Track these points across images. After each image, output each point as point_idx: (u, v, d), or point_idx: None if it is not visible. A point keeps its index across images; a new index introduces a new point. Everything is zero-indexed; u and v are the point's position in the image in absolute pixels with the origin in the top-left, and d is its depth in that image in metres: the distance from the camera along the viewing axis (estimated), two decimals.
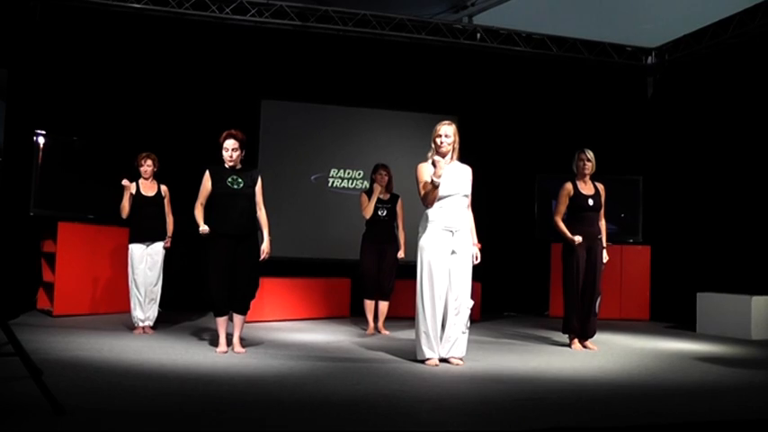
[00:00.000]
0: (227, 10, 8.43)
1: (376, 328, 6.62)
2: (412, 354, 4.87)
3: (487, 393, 3.90)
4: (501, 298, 8.95)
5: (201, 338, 5.69)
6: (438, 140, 4.77)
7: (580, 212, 5.77)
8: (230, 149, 4.97)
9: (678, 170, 9.06)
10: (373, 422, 3.15)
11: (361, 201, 6.63)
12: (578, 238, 5.65)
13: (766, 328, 6.96)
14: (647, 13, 8.29)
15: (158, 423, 3.00)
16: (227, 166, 5.01)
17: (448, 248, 4.69)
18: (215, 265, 4.91)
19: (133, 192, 6.06)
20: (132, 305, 6.02)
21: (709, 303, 7.39)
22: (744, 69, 8.20)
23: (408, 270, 5.73)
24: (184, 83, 8.45)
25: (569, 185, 5.81)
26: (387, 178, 6.56)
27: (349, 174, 9.11)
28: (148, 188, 6.14)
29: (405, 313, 7.00)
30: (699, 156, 8.73)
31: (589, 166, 5.80)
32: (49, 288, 7.06)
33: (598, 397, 3.86)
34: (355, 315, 7.75)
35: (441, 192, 4.64)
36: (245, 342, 5.23)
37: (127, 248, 6.08)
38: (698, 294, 7.52)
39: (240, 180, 4.99)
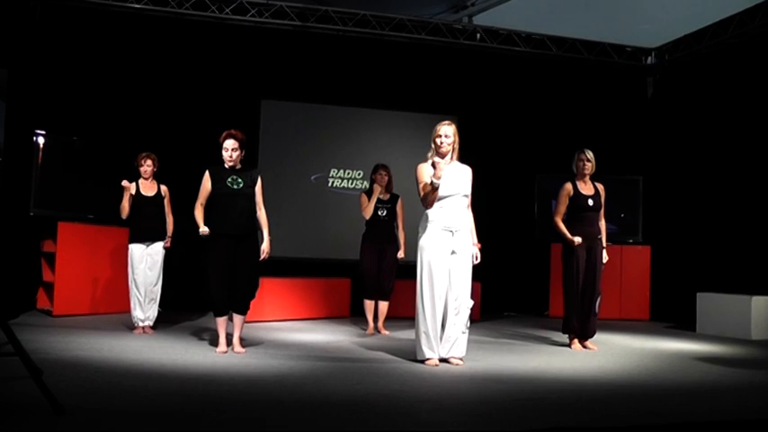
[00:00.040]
0: (227, 10, 8.43)
1: (376, 328, 6.62)
2: (412, 354, 4.87)
3: (487, 393, 3.90)
4: (501, 298, 8.95)
5: (201, 338, 5.69)
6: (438, 140, 4.77)
7: (580, 212, 5.77)
8: (230, 149, 4.97)
9: (678, 170, 9.06)
10: (373, 422, 3.15)
11: (360, 201, 6.63)
12: (578, 239, 5.65)
13: (766, 328, 6.96)
14: (646, 13, 8.28)
15: (158, 423, 3.00)
16: (226, 166, 5.01)
17: (448, 248, 4.69)
18: (215, 265, 4.91)
19: (133, 192, 6.06)
20: (132, 305, 6.02)
21: (709, 303, 7.39)
22: (744, 69, 8.20)
23: (408, 270, 5.73)
24: (184, 83, 8.45)
25: (569, 185, 5.81)
26: (387, 178, 6.56)
27: (349, 174, 9.11)
28: (148, 188, 6.14)
29: (405, 313, 7.00)
30: (699, 156, 8.73)
31: (589, 167, 5.80)
32: (49, 288, 7.07)
33: (598, 397, 3.86)
34: (355, 315, 7.75)
35: (441, 192, 4.64)
36: (244, 342, 5.24)
37: (127, 248, 6.08)
38: (698, 294, 7.52)
39: (240, 180, 4.99)
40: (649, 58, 9.67)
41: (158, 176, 6.23)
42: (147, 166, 6.10)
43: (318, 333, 6.51)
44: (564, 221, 5.82)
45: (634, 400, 3.80)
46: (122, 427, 2.91)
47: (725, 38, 8.33)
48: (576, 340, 5.81)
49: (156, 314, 6.12)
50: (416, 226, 4.86)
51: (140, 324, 6.00)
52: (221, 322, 5.04)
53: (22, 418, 2.91)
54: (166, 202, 6.20)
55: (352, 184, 9.11)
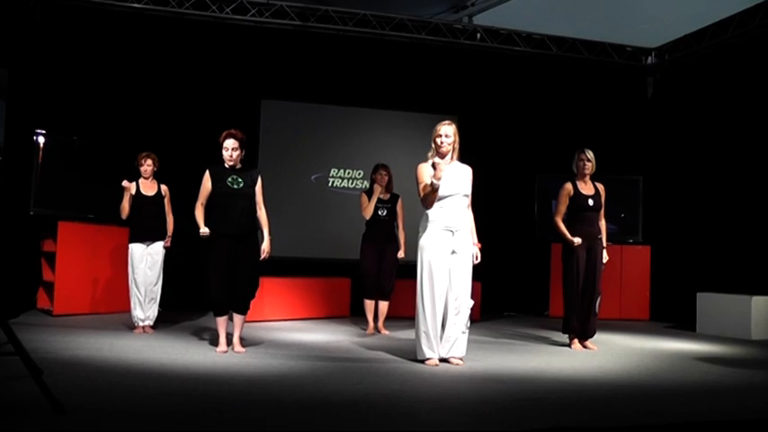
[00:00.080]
0: (228, 10, 8.43)
1: (376, 327, 6.62)
2: (412, 353, 4.87)
3: (487, 393, 3.90)
4: (501, 298, 8.95)
5: (201, 338, 5.69)
6: (438, 140, 4.77)
7: (580, 212, 5.77)
8: (230, 149, 4.97)
9: (678, 170, 9.06)
10: (373, 422, 3.15)
11: (361, 201, 6.63)
12: (577, 240, 5.65)
13: (766, 328, 6.96)
14: (646, 13, 8.28)
15: (158, 423, 3.00)
16: (227, 165, 5.01)
17: (448, 248, 4.69)
18: (215, 264, 4.91)
19: (133, 192, 6.06)
20: (132, 305, 6.03)
21: (709, 303, 7.40)
22: (744, 69, 8.20)
23: (408, 270, 5.73)
24: (184, 83, 8.45)
25: (569, 185, 5.81)
26: (387, 178, 6.55)
27: (349, 174, 9.11)
28: (148, 188, 6.14)
29: (405, 313, 7.00)
30: (699, 156, 8.73)
31: (589, 166, 5.80)
32: (49, 287, 7.07)
33: (598, 397, 3.86)
34: (355, 315, 7.75)
35: (441, 192, 4.64)
36: (245, 342, 5.24)
37: (127, 248, 6.09)
38: (698, 294, 7.52)
39: (240, 180, 4.99)
40: (649, 58, 9.67)
41: (158, 176, 6.23)
42: (147, 166, 6.10)
43: (318, 333, 6.52)
44: (564, 221, 5.82)
45: (634, 400, 3.81)
46: (122, 427, 2.91)
47: (725, 38, 8.34)
48: (576, 340, 5.81)
49: (156, 314, 6.12)
50: (416, 226, 4.86)
51: (140, 324, 6.01)
52: (221, 322, 5.04)
53: (23, 417, 2.92)
54: (166, 201, 6.20)
55: (352, 183, 9.11)
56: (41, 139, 7.04)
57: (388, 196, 6.59)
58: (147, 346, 5.16)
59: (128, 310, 6.15)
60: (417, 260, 4.76)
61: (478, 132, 8.93)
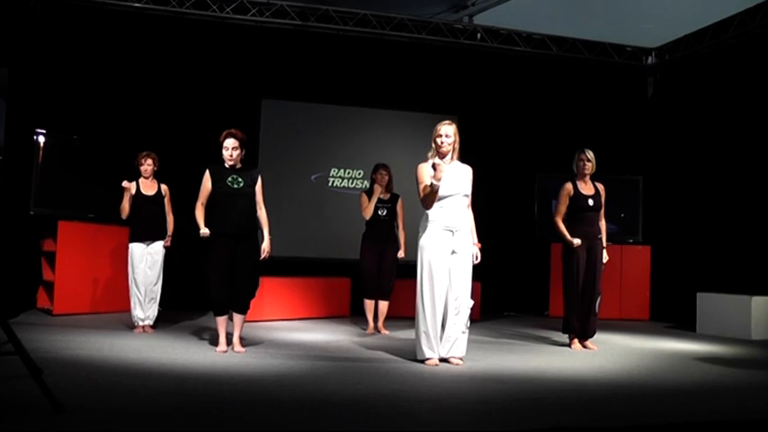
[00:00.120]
0: (228, 9, 8.43)
1: (376, 327, 6.62)
2: (412, 353, 4.87)
3: (487, 393, 3.90)
4: (501, 298, 8.95)
5: (201, 338, 5.69)
6: (438, 140, 4.77)
7: (580, 212, 5.77)
8: (230, 148, 4.97)
9: (678, 170, 9.06)
10: (373, 422, 3.15)
11: (361, 201, 6.63)
12: (577, 241, 5.65)
13: (766, 328, 6.96)
14: (647, 12, 8.28)
15: (158, 422, 3.00)
16: (227, 165, 5.01)
17: (448, 248, 4.69)
18: (215, 264, 4.91)
19: (133, 191, 6.06)
20: (132, 304, 6.03)
21: (709, 303, 7.39)
22: (744, 69, 8.21)
23: (408, 270, 5.73)
24: (184, 82, 8.45)
25: (569, 185, 5.81)
26: (387, 178, 6.55)
27: (349, 173, 9.11)
28: (149, 187, 6.14)
29: (405, 313, 7.00)
30: (699, 156, 8.73)
31: (589, 166, 5.80)
32: (49, 287, 7.07)
33: (598, 397, 3.86)
34: (355, 315, 7.75)
35: (441, 192, 4.64)
36: (244, 341, 5.23)
37: (127, 247, 6.08)
38: (698, 294, 7.52)
39: (240, 179, 4.99)
40: (650, 57, 9.67)
41: (159, 176, 6.23)
42: (147, 166, 6.10)
43: (318, 333, 6.51)
44: (564, 221, 5.81)
45: (634, 400, 3.80)
46: (122, 427, 2.91)
47: (725, 38, 8.34)
48: (576, 340, 5.81)
49: (156, 313, 6.12)
50: (416, 226, 4.86)
51: (140, 323, 6.01)
52: (221, 321, 5.04)
53: (22, 416, 2.91)
54: (167, 201, 6.20)
55: (352, 183, 9.11)
56: (41, 139, 7.04)
57: (388, 196, 6.59)
58: (146, 345, 5.16)
59: (128, 309, 6.15)
60: (417, 260, 4.76)
61: (478, 132, 8.93)
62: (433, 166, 4.58)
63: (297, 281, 7.81)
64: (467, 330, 4.78)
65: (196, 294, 6.07)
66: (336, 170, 9.08)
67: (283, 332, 6.40)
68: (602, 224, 5.89)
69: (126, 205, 6.04)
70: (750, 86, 8.07)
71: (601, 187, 5.89)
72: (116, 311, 7.20)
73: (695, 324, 7.45)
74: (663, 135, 9.39)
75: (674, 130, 9.22)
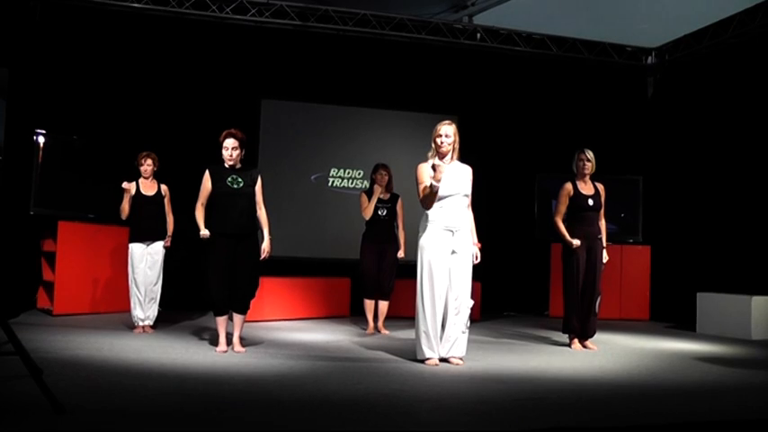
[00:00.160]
0: (228, 10, 8.43)
1: (376, 327, 6.62)
2: (412, 353, 4.87)
3: (487, 393, 3.90)
4: (501, 298, 8.95)
5: (201, 338, 5.69)
6: (438, 140, 4.77)
7: (580, 212, 5.77)
8: (230, 148, 4.97)
9: (678, 170, 9.06)
10: (373, 422, 3.15)
11: (360, 201, 6.63)
12: (576, 242, 5.65)
13: (766, 328, 6.96)
14: (646, 12, 8.28)
15: (158, 422, 3.00)
16: (226, 165, 5.01)
17: (448, 248, 4.69)
18: (215, 264, 4.91)
19: (133, 192, 6.06)
20: (132, 304, 6.03)
21: (709, 303, 7.39)
22: (744, 69, 8.21)
23: (408, 270, 5.73)
24: (184, 83, 8.45)
25: (569, 185, 5.81)
26: (387, 178, 6.55)
27: (349, 173, 9.11)
28: (148, 187, 6.14)
29: (405, 313, 7.00)
30: (699, 156, 8.73)
31: (589, 166, 5.80)
32: (49, 287, 7.07)
33: (598, 397, 3.86)
34: (355, 315, 7.75)
35: (441, 192, 4.64)
36: (244, 341, 5.24)
37: (127, 248, 6.08)
38: (698, 294, 7.52)
39: (240, 179, 4.99)
40: (649, 57, 9.67)
41: (158, 176, 6.23)
42: (147, 166, 6.10)
43: (318, 333, 6.51)
44: (564, 221, 5.82)
45: (634, 400, 3.80)
46: (122, 427, 2.91)
47: (725, 38, 8.34)
48: (576, 340, 5.81)
49: (156, 313, 6.12)
50: (416, 226, 4.86)
51: (140, 323, 6.01)
52: (221, 322, 5.04)
53: (23, 416, 2.91)
54: (167, 201, 6.20)
55: (352, 183, 9.11)
56: (41, 139, 7.04)
57: (388, 196, 6.59)
58: (146, 345, 5.16)
59: (128, 309, 6.15)
60: (417, 260, 4.76)
61: (478, 132, 8.94)
62: (433, 167, 4.57)
63: (297, 281, 7.81)
64: (467, 330, 4.78)
65: (196, 294, 6.07)
66: (336, 170, 9.08)
67: (283, 332, 6.40)
68: (602, 224, 5.89)
69: (126, 206, 6.04)
70: (750, 86, 8.07)
71: (601, 187, 5.89)
72: (116, 311, 7.20)
73: (695, 324, 7.45)
74: (663, 135, 9.39)
75: (674, 130, 9.22)
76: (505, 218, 9.15)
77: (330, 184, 9.07)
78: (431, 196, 4.65)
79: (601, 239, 5.79)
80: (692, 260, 8.50)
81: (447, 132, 4.76)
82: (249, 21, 8.54)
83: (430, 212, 4.72)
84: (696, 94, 8.92)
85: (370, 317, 6.62)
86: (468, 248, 4.76)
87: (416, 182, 4.80)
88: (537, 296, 9.02)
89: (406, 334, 6.31)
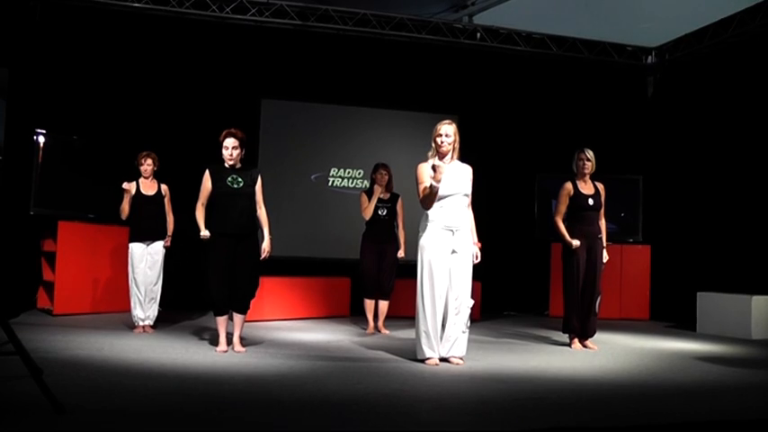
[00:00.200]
0: (228, 9, 8.43)
1: (376, 327, 6.62)
2: (412, 353, 4.87)
3: (487, 393, 3.90)
4: (501, 297, 8.95)
5: (201, 338, 5.69)
6: (438, 140, 4.77)
7: (580, 212, 5.77)
8: (230, 148, 4.97)
9: (678, 170, 9.06)
10: (373, 422, 3.15)
11: (360, 201, 6.62)
12: (576, 243, 5.65)
13: (766, 327, 6.96)
14: (647, 12, 8.28)
15: (158, 422, 3.00)
16: (227, 165, 5.01)
17: (448, 248, 4.69)
18: (215, 264, 4.91)
19: (133, 192, 6.06)
20: (132, 304, 6.03)
21: (709, 303, 7.39)
22: (744, 69, 8.20)
23: (408, 269, 5.73)
24: (184, 82, 8.45)
25: (569, 185, 5.81)
26: (387, 177, 6.55)
27: (349, 173, 9.11)
28: (148, 187, 6.14)
29: (405, 312, 7.00)
30: (699, 156, 8.73)
31: (589, 166, 5.80)
32: (50, 287, 7.07)
33: (598, 397, 3.86)
34: (355, 314, 7.75)
35: (441, 191, 4.64)
36: (245, 341, 5.24)
37: (127, 247, 6.09)
38: (698, 294, 7.52)
39: (240, 179, 4.99)
40: (650, 57, 9.67)
41: (159, 175, 6.23)
42: (147, 165, 6.10)
43: (318, 332, 6.52)
44: (564, 221, 5.82)
45: (634, 399, 3.80)
46: (122, 427, 2.91)
47: (725, 37, 8.33)
48: (576, 340, 5.81)
49: (156, 313, 6.12)
50: (417, 225, 4.86)
51: (140, 323, 6.01)
52: (221, 321, 5.04)
53: (22, 416, 2.92)
54: (167, 201, 6.20)
55: (352, 183, 9.11)
56: (41, 139, 7.03)
57: (388, 196, 6.59)
58: (147, 345, 5.16)
59: (128, 309, 6.15)
60: (417, 260, 4.76)
61: (478, 132, 8.93)
62: (433, 168, 4.57)
63: (297, 281, 7.81)
64: (467, 330, 4.78)
65: (196, 294, 6.07)
66: (336, 170, 9.08)
67: (283, 332, 6.40)
68: (602, 224, 5.89)
69: (126, 206, 6.04)
70: (750, 86, 8.07)
71: (601, 187, 5.89)
72: (116, 311, 7.20)
73: (695, 324, 7.45)
74: (663, 135, 9.39)
75: (674, 129, 9.22)
76: (505, 218, 9.15)
77: (330, 183, 9.07)
78: (431, 197, 4.64)
79: (601, 239, 5.79)
80: (692, 260, 8.50)
81: (447, 132, 4.76)
82: (249, 20, 8.53)
83: (430, 212, 4.72)
84: (696, 94, 8.92)
85: (370, 317, 6.62)
86: (468, 248, 4.76)
87: (416, 182, 4.80)
88: (537, 296, 9.02)
89: (406, 334, 6.31)
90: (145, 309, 6.02)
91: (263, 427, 3.01)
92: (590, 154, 5.81)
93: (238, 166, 5.04)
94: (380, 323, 6.64)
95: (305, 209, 8.85)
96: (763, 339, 6.79)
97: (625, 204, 9.00)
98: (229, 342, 5.05)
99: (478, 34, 9.14)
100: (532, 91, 9.46)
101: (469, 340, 4.87)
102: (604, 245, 5.83)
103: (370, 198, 6.53)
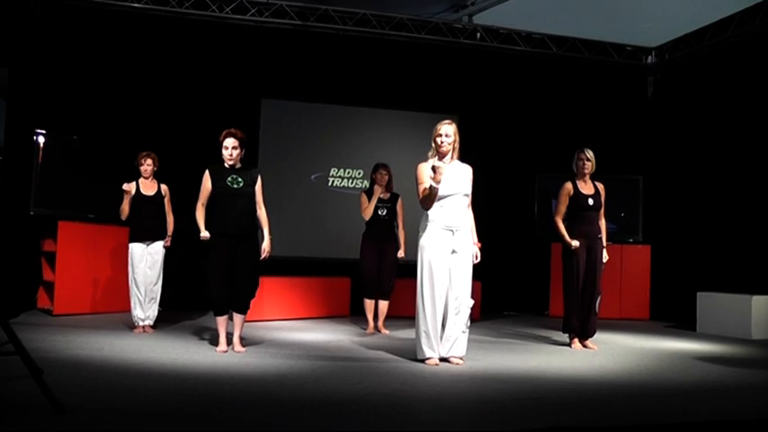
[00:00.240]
0: (228, 9, 8.43)
1: (376, 327, 6.62)
2: (412, 353, 4.87)
3: (487, 393, 3.90)
4: (501, 297, 8.95)
5: (201, 338, 5.69)
6: (438, 140, 4.77)
7: (580, 212, 5.77)
8: (230, 148, 4.97)
9: (678, 170, 9.06)
10: (373, 422, 3.15)
11: (360, 201, 6.62)
12: (576, 244, 5.65)
13: (766, 327, 6.96)
14: (646, 12, 8.28)
15: (158, 422, 3.00)
16: (226, 164, 5.01)
17: (448, 248, 4.69)
18: (215, 264, 4.91)
19: (133, 192, 6.06)
20: (132, 304, 6.03)
21: (709, 303, 7.39)
22: (744, 69, 8.20)
23: (408, 269, 5.73)
24: (184, 82, 8.45)
25: (569, 185, 5.81)
26: (387, 177, 6.55)
27: (349, 173, 9.11)
28: (148, 187, 6.14)
29: (405, 312, 7.01)
30: (699, 156, 8.73)
31: (589, 166, 5.80)
32: (50, 287, 7.07)
33: (598, 396, 3.86)
34: (355, 314, 7.76)
35: (441, 191, 4.64)
36: (245, 341, 5.24)
37: (127, 247, 6.09)
38: (698, 294, 7.52)
39: (240, 179, 4.99)
40: (649, 57, 9.67)
41: (158, 176, 6.23)
42: (147, 166, 6.10)
43: (318, 332, 6.52)
44: (564, 221, 5.82)
45: (634, 399, 3.80)
46: (122, 427, 2.91)
47: (725, 37, 8.34)
48: (576, 340, 5.81)
49: (156, 313, 6.12)
50: (417, 225, 4.86)
51: (140, 323, 6.01)
52: (221, 321, 5.04)
53: (23, 416, 2.92)
54: (167, 201, 6.20)
55: (352, 183, 9.11)
56: (41, 139, 7.03)
57: (388, 196, 6.59)
58: (147, 345, 5.16)
59: (128, 309, 6.15)
60: (417, 260, 4.76)
61: (478, 132, 8.93)
62: (433, 169, 4.56)
63: (297, 281, 7.81)
64: (467, 330, 4.78)
65: (196, 294, 6.07)
66: (336, 170, 9.08)
67: (283, 332, 6.40)
68: (602, 223, 5.89)
69: (126, 207, 6.04)
70: (750, 86, 8.07)
71: (601, 187, 5.89)
72: (116, 311, 7.20)
73: (695, 323, 7.45)
74: (663, 135, 9.39)
75: (674, 129, 9.22)
76: (505, 218, 9.15)
77: (330, 183, 9.07)
78: (430, 197, 4.65)
79: (601, 239, 5.79)
80: (692, 260, 8.50)
81: (447, 132, 4.76)
82: (249, 20, 8.54)
83: (430, 212, 4.72)
84: (696, 94, 8.92)
85: (370, 316, 6.62)
86: (468, 248, 4.76)
87: (416, 182, 4.80)
88: (537, 296, 9.02)
89: (406, 334, 6.31)
90: (145, 309, 6.02)
91: (263, 427, 3.01)
92: (590, 154, 5.81)
93: (238, 166, 5.04)
94: (380, 323, 6.64)
95: (305, 209, 8.85)
96: (763, 339, 6.79)
97: (625, 204, 9.00)
98: (229, 342, 5.05)
99: (478, 34, 9.15)
100: (532, 91, 9.46)
101: (469, 340, 4.87)
102: (604, 245, 5.83)
103: (369, 198, 6.53)
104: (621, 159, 9.06)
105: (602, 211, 5.88)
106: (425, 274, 4.68)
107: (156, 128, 8.04)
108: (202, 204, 5.03)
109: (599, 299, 5.77)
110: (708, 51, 8.69)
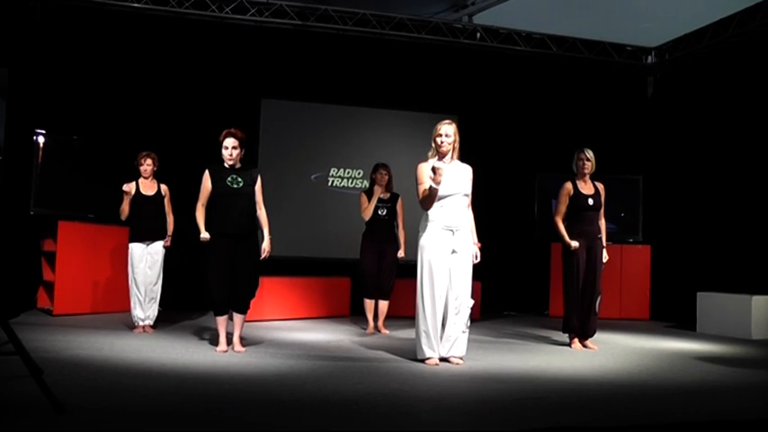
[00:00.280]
0: (227, 9, 8.43)
1: (376, 327, 6.62)
2: (412, 353, 4.87)
3: (487, 393, 3.90)
4: (501, 297, 8.95)
5: (201, 337, 5.69)
6: (438, 140, 4.77)
7: (580, 212, 5.77)
8: (230, 148, 4.97)
9: (678, 170, 9.06)
10: (374, 422, 3.15)
11: (360, 201, 6.62)
12: (575, 244, 5.65)
13: (766, 327, 6.96)
14: (646, 12, 8.28)
15: (158, 422, 3.00)
16: (226, 164, 5.01)
17: (448, 248, 4.69)
18: (215, 264, 4.91)
19: (133, 193, 6.07)
20: (132, 304, 6.03)
21: (709, 303, 7.39)
22: (744, 69, 8.20)
23: (408, 269, 5.73)
24: (184, 82, 8.45)
25: (569, 185, 5.81)
26: (387, 177, 6.55)
27: (349, 173, 9.11)
28: (148, 187, 6.14)
29: (405, 312, 7.01)
30: (699, 155, 8.73)
31: (589, 166, 5.80)
32: (50, 287, 7.07)
33: (598, 396, 3.86)
34: (355, 314, 7.76)
35: (441, 191, 4.64)
36: (245, 341, 5.24)
37: (127, 247, 6.09)
38: (698, 294, 7.52)
39: (240, 179, 4.99)
40: (649, 57, 9.67)
41: (158, 176, 6.24)
42: (147, 166, 6.10)
43: (318, 332, 6.52)
44: (564, 221, 5.82)
45: (634, 399, 3.80)
46: (122, 426, 2.91)
47: (725, 37, 8.34)
48: (576, 340, 5.81)
49: (156, 313, 6.12)
50: (417, 225, 4.86)
51: (140, 323, 6.01)
52: (221, 321, 5.04)
53: (23, 416, 2.92)
54: (166, 201, 6.21)
55: (352, 183, 9.11)
56: (41, 139, 7.03)
57: (388, 196, 6.59)
58: (147, 345, 5.16)
59: (128, 309, 6.15)
60: (417, 260, 4.76)
61: (478, 132, 8.93)
62: (433, 170, 4.56)
63: (297, 281, 7.81)
64: (467, 330, 4.78)
65: (196, 294, 6.07)
66: (336, 170, 9.08)
67: (283, 332, 6.40)
68: (602, 223, 5.89)
69: (126, 207, 6.04)
70: (750, 86, 8.07)
71: (600, 187, 5.89)
72: (116, 311, 7.20)
73: (695, 323, 7.45)
74: (663, 135, 9.39)
75: (674, 129, 9.22)
76: (505, 218, 9.15)
77: (330, 183, 9.07)
78: (430, 198, 4.65)
79: (601, 239, 5.79)
80: (692, 260, 8.50)
81: (447, 132, 4.76)
82: (249, 20, 8.54)
83: (430, 212, 4.72)
84: (696, 94, 8.92)
85: (370, 316, 6.62)
86: (468, 248, 4.76)
87: (416, 182, 4.80)
88: (537, 296, 9.02)
89: (406, 334, 6.31)
90: (145, 309, 6.02)
91: (263, 427, 3.01)
92: (590, 154, 5.81)
93: (238, 166, 5.04)
94: (380, 323, 6.64)
95: (305, 209, 8.85)
96: (763, 339, 6.79)
97: (625, 204, 9.00)
98: (229, 342, 5.05)
99: (478, 34, 9.15)
100: (532, 91, 9.46)
101: (469, 340, 4.87)
102: (604, 245, 5.83)
103: (369, 198, 6.53)
104: (621, 159, 9.06)
105: (602, 211, 5.88)
106: (425, 274, 4.68)
107: (156, 128, 8.04)
108: (202, 204, 5.03)
109: (599, 299, 5.77)
110: (708, 51, 8.69)
